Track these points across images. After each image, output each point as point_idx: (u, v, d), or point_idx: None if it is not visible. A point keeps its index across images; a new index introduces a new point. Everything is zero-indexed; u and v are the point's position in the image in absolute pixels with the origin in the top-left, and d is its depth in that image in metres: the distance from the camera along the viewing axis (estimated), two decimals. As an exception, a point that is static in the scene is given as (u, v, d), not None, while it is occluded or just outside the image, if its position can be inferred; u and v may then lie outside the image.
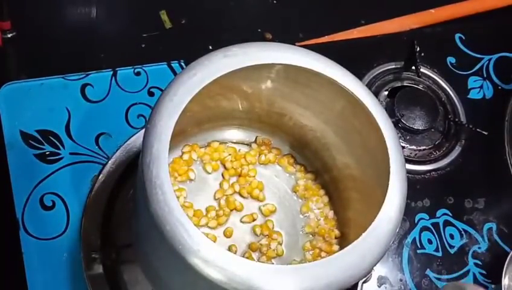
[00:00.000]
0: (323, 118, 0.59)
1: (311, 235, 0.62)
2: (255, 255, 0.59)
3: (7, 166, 0.67)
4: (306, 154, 0.65)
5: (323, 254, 0.60)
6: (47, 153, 0.68)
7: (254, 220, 0.61)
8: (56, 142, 0.69)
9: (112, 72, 0.73)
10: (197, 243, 0.44)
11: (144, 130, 0.49)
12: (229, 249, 0.59)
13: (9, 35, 0.85)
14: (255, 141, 0.65)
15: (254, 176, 0.63)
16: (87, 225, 0.65)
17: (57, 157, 0.68)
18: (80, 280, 0.63)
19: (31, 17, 0.88)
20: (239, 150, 0.64)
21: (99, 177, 0.67)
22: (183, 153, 0.62)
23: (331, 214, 0.62)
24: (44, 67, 0.81)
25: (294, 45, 0.55)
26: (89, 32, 0.90)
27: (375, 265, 0.48)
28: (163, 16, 0.92)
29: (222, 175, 0.63)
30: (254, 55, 0.51)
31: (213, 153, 0.63)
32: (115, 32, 0.91)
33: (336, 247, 0.60)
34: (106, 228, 0.65)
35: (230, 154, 0.63)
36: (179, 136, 0.60)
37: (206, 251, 0.44)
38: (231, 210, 0.61)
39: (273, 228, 0.61)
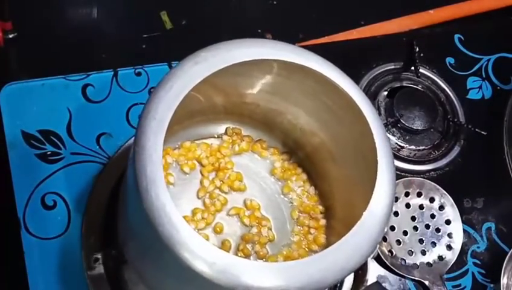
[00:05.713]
0: (292, 100, 0.59)
1: (298, 214, 0.62)
2: (249, 245, 0.59)
3: (8, 166, 0.67)
4: (276, 136, 0.64)
5: (312, 230, 0.60)
6: (48, 153, 0.69)
7: (241, 211, 0.61)
8: (57, 142, 0.69)
9: (112, 73, 0.74)
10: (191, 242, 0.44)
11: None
12: (223, 244, 0.59)
13: (10, 36, 0.85)
14: (226, 132, 0.64)
15: (232, 168, 0.62)
16: (88, 225, 0.65)
17: (58, 157, 0.69)
18: (81, 280, 0.63)
19: (33, 18, 0.88)
20: (211, 144, 0.64)
21: (100, 177, 0.67)
22: None
23: (312, 190, 0.63)
24: (45, 67, 0.81)
25: (295, 45, 0.55)
26: (89, 33, 0.90)
27: (366, 258, 0.48)
28: (164, 16, 0.92)
29: (201, 173, 0.62)
30: (223, 56, 0.51)
31: (187, 153, 0.62)
32: (115, 33, 0.91)
33: (322, 221, 0.60)
34: (107, 227, 0.65)
35: (204, 151, 0.63)
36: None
37: (198, 249, 0.44)
38: (216, 209, 0.60)
39: (260, 215, 0.61)
